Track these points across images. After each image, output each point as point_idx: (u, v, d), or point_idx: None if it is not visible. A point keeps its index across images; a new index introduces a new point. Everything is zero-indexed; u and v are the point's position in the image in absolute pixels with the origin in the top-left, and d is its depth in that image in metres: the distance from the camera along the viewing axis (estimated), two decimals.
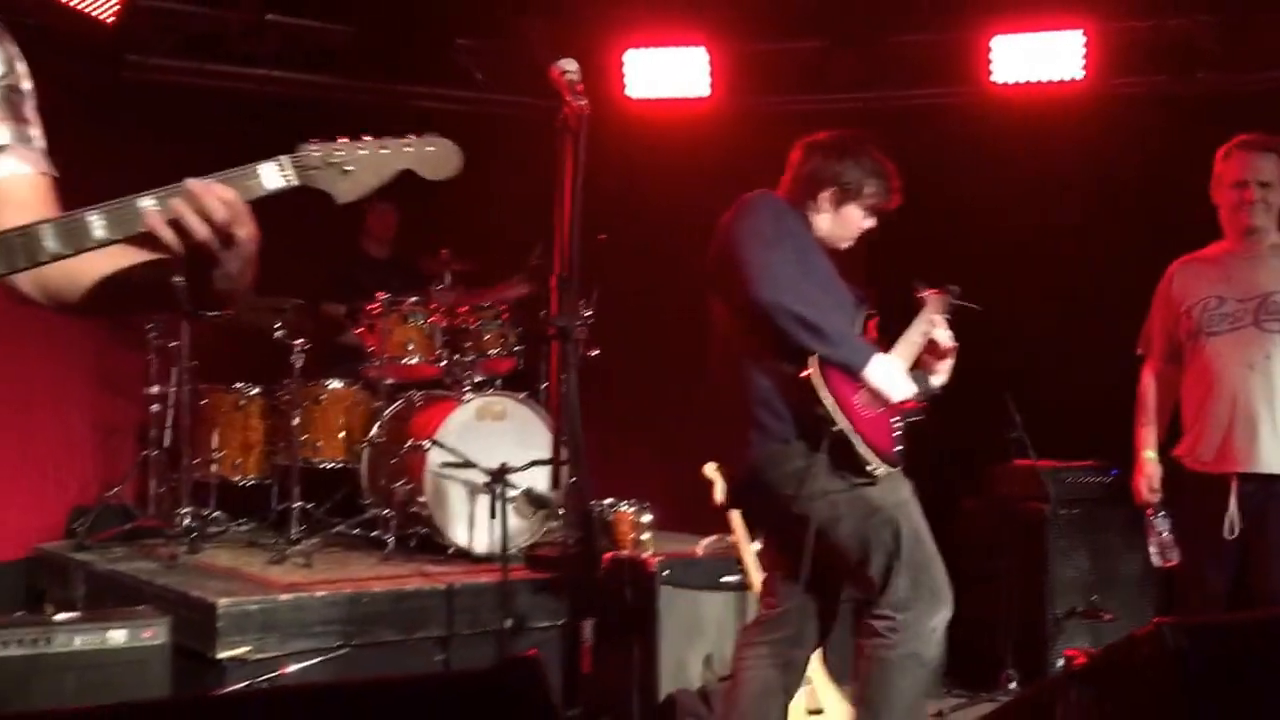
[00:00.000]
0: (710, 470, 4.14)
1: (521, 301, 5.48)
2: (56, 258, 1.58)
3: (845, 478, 3.05)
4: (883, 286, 6.16)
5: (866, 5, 6.23)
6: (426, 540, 5.01)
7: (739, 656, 3.29)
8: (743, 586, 4.35)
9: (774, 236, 3.07)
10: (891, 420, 3.17)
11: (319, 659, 3.86)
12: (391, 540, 4.91)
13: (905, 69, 6.31)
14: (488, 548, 4.89)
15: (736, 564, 4.25)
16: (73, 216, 1.59)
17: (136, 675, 3.46)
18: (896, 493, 3.13)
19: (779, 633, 3.21)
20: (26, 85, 1.87)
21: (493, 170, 6.46)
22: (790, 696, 3.30)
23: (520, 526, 4.98)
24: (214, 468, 5.45)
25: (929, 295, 3.29)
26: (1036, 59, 5.94)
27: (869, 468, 3.04)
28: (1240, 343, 3.56)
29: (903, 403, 3.16)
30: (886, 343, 3.27)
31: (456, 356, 5.28)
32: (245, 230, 1.56)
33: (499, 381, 5.43)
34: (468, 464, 4.51)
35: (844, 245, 3.31)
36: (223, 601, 3.89)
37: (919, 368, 3.26)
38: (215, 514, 5.41)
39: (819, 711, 3.74)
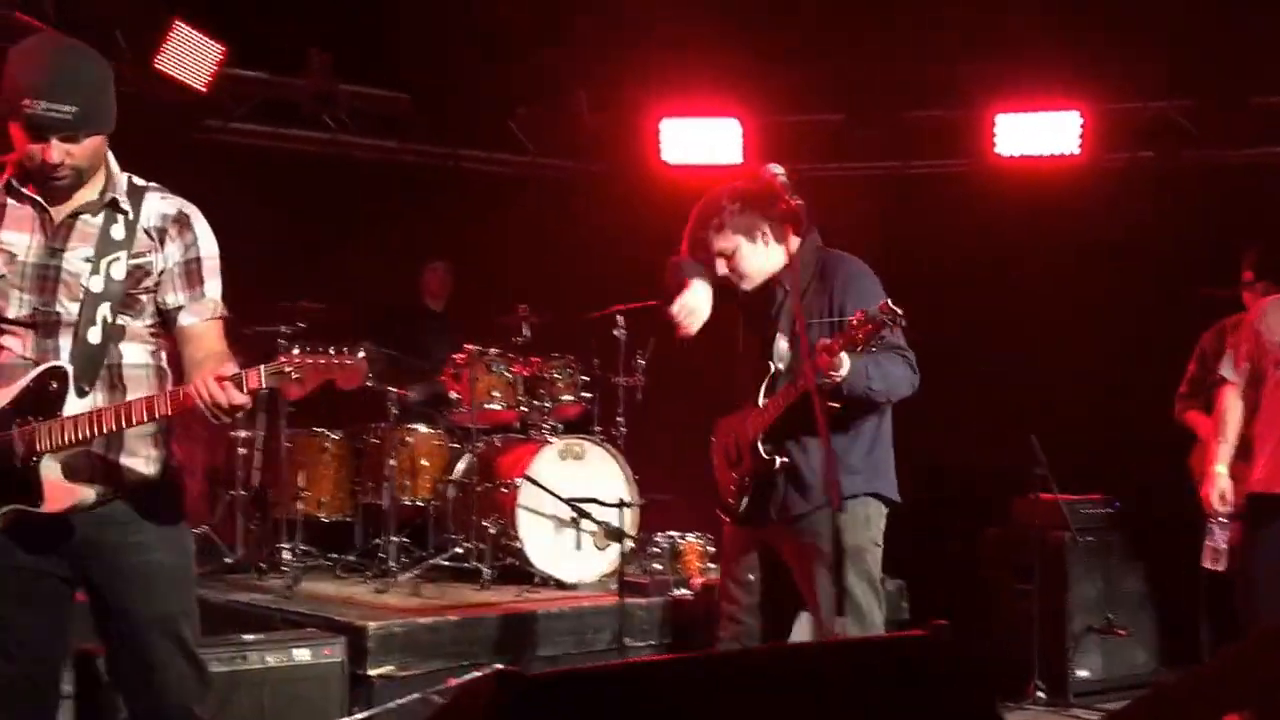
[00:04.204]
0: None
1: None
2: None
3: None
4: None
5: (883, 84, 6.91)
6: (514, 570, 5.48)
7: None
8: None
9: None
10: (735, 477, 3.46)
11: (480, 673, 4.31)
12: (487, 570, 5.37)
13: (917, 142, 7.03)
14: (573, 576, 5.40)
15: None
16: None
17: (320, 690, 3.91)
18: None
19: None
20: (204, 250, 2.67)
21: (543, 228, 7.06)
22: None
23: (598, 557, 5.49)
24: (299, 505, 5.85)
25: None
26: (1037, 135, 6.68)
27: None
28: None
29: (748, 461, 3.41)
30: None
31: (534, 403, 5.81)
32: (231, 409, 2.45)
33: (560, 426, 5.95)
34: (588, 500, 4.96)
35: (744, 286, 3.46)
36: (372, 625, 4.33)
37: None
38: (305, 549, 5.80)
39: None
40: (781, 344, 3.37)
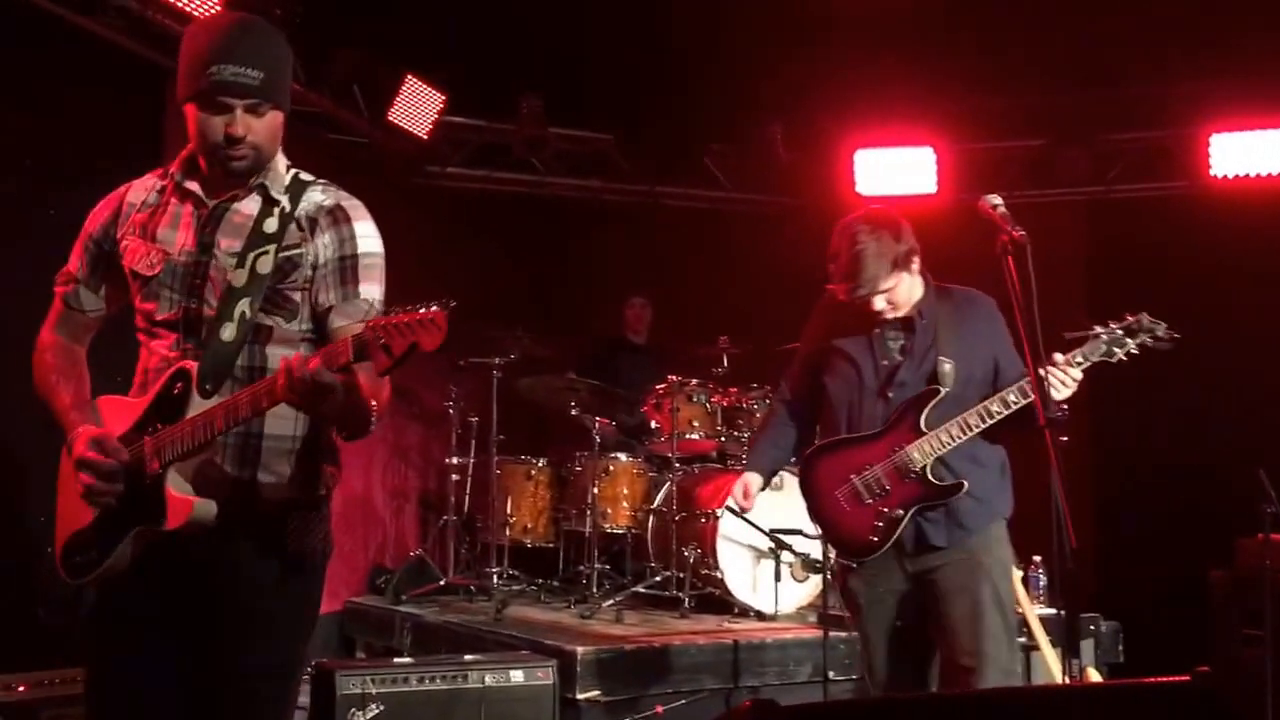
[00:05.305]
0: None
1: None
2: None
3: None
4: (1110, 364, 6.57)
5: (1086, 107, 6.71)
6: (713, 599, 5.54)
7: None
8: (1028, 648, 4.77)
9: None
10: (884, 511, 3.28)
11: (684, 701, 4.40)
12: (687, 599, 5.44)
13: (1124, 165, 6.79)
14: (772, 607, 5.41)
15: (1023, 627, 4.66)
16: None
17: (533, 711, 4.05)
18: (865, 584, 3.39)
19: None
20: (362, 248, 2.41)
21: (740, 261, 7.16)
22: None
23: (797, 589, 5.48)
24: (506, 531, 6.08)
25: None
26: (1256, 155, 6.36)
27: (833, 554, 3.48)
28: None
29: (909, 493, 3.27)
30: None
31: (733, 433, 5.87)
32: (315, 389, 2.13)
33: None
34: (792, 531, 4.98)
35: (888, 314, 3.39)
36: (581, 650, 4.46)
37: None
38: (512, 573, 6.02)
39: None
40: (945, 366, 3.30)
